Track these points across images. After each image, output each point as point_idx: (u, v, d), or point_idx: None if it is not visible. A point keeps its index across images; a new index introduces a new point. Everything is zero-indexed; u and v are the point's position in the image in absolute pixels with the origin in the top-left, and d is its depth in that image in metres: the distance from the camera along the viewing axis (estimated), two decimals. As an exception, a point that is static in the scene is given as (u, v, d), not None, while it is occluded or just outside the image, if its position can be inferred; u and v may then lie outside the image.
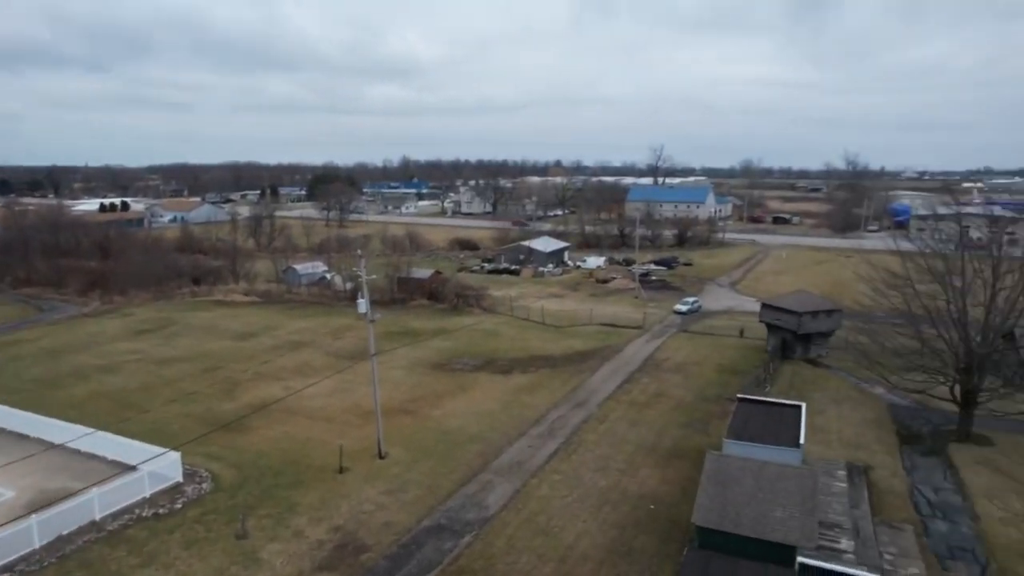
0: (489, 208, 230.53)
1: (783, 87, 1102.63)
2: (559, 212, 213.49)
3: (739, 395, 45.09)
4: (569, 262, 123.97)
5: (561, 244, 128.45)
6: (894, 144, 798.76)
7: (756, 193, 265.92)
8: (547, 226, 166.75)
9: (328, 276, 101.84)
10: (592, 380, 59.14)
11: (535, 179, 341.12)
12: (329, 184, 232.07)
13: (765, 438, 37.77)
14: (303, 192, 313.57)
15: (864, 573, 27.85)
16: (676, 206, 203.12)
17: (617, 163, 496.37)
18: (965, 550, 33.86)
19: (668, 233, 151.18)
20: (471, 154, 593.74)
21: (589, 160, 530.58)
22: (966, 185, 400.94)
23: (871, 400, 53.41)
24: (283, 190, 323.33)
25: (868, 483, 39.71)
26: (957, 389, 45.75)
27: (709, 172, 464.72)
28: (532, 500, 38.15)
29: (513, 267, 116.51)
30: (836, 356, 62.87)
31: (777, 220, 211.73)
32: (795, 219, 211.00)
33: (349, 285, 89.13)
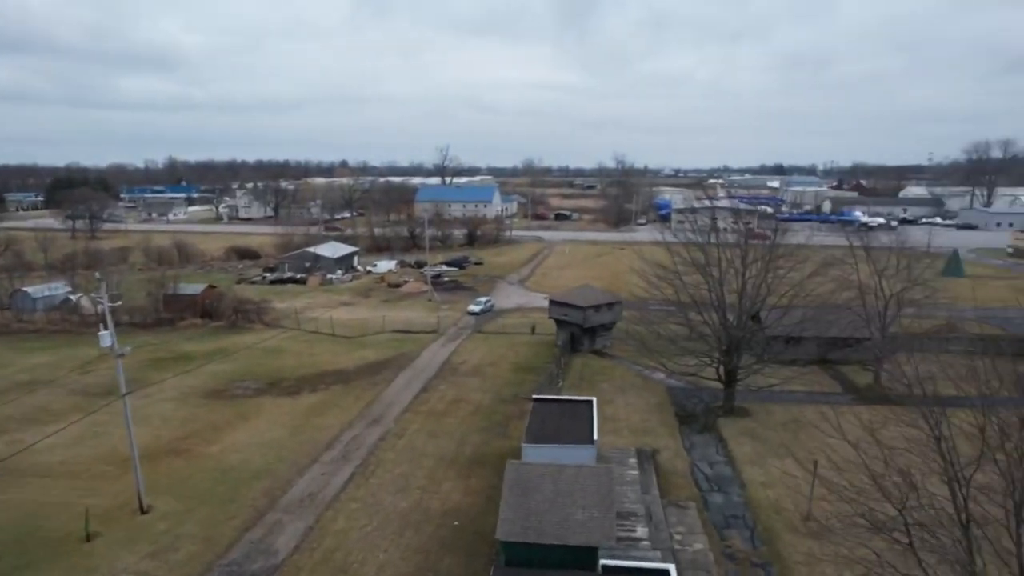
0: (270, 212, 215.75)
1: (558, 91, 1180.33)
2: (347, 215, 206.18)
3: (534, 396, 45.52)
4: (359, 267, 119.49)
5: (350, 248, 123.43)
6: (653, 144, 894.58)
7: (538, 191, 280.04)
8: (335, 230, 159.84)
9: (73, 298, 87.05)
10: (388, 392, 56.57)
11: (320, 180, 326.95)
12: (74, 189, 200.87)
13: (561, 437, 38.21)
14: (39, 198, 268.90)
15: (658, 564, 28.83)
16: (464, 206, 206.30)
17: (405, 163, 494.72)
18: (737, 517, 37.06)
19: (458, 233, 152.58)
20: (249, 155, 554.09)
21: (376, 160, 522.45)
22: (711, 181, 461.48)
23: (653, 386, 57.38)
24: (11, 196, 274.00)
25: (656, 467, 42.09)
26: (721, 369, 50.58)
27: (494, 171, 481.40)
28: (327, 536, 34.81)
29: (299, 276, 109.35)
30: (619, 346, 66.92)
31: (559, 217, 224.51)
32: (575, 215, 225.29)
33: (101, 307, 76.82)
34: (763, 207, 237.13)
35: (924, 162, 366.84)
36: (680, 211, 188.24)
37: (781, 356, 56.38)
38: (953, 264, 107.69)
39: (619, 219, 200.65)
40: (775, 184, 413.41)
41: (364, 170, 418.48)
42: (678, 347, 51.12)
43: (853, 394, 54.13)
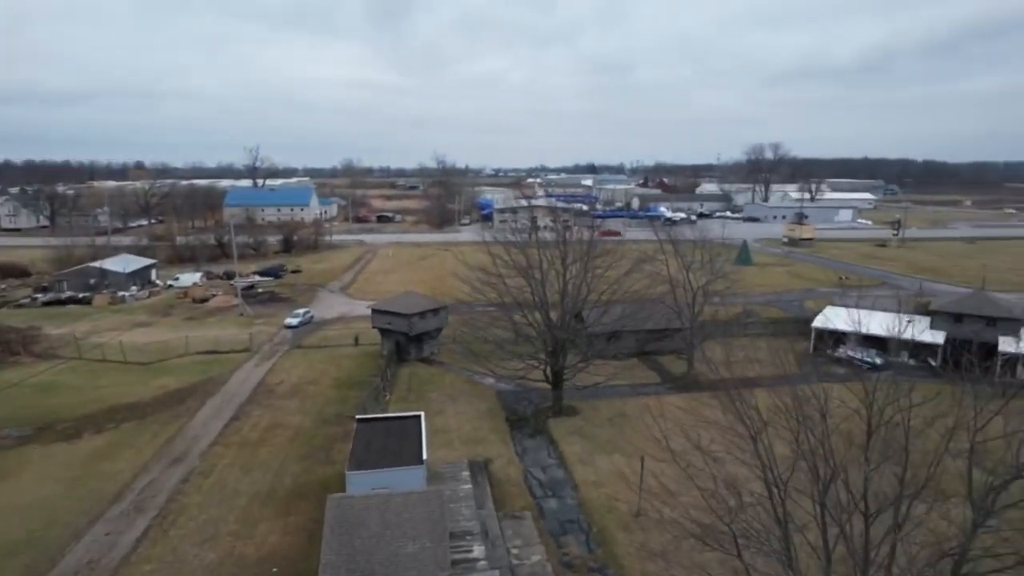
0: (44, 221, 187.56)
1: (376, 89, 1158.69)
2: (143, 222, 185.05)
3: (357, 416, 42.42)
4: (158, 282, 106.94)
5: (145, 261, 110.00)
6: (474, 144, 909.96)
7: (359, 192, 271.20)
8: (128, 240, 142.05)
9: None
10: (193, 424, 50.25)
11: (110, 184, 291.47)
12: None
13: (388, 461, 35.71)
14: None
15: (497, 587, 27.52)
16: (279, 209, 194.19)
17: (212, 165, 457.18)
18: (572, 521, 36.97)
19: (273, 239, 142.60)
20: (16, 154, 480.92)
21: (179, 161, 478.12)
22: (530, 180, 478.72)
23: (483, 391, 56.51)
24: None
25: (489, 478, 40.99)
26: (548, 370, 50.84)
27: (312, 172, 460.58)
28: (113, 611, 29.40)
29: (81, 295, 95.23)
30: (447, 352, 65.44)
31: (381, 219, 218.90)
32: (397, 217, 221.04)
33: None
34: (578, 205, 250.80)
35: (714, 161, 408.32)
36: (502, 211, 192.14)
37: (604, 352, 58.11)
38: (743, 254, 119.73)
39: (442, 220, 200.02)
40: (588, 183, 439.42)
41: (164, 172, 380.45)
42: (505, 351, 50.65)
43: (670, 383, 57.30)
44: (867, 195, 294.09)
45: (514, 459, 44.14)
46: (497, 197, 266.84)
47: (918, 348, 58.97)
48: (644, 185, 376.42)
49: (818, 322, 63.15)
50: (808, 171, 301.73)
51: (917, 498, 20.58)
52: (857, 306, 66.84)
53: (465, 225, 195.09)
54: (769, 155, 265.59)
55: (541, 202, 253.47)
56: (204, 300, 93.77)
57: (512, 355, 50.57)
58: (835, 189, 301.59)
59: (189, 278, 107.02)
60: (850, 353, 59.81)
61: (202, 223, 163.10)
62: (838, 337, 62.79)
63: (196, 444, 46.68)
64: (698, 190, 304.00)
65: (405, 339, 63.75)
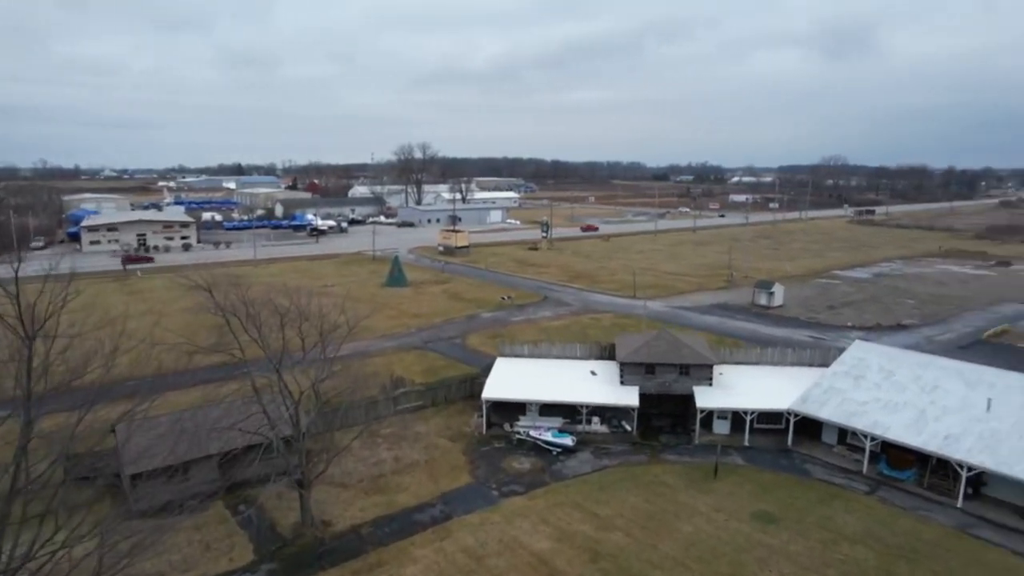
0: None
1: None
2: None
3: None
4: None
5: None
6: (91, 141, 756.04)
7: None
8: None
9: None
10: None
11: None
12: None
13: None
14: None
15: None
16: None
17: None
18: None
19: None
20: None
21: None
22: (161, 184, 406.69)
23: None
24: None
25: None
26: None
27: None
28: None
29: None
30: None
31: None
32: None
33: None
34: (211, 214, 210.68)
35: (368, 160, 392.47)
36: (93, 228, 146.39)
37: (155, 503, 32.48)
38: (396, 273, 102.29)
39: None
40: (233, 185, 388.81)
41: None
42: None
43: (273, 558, 33.09)
44: (512, 194, 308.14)
45: None
46: (107, 207, 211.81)
47: (611, 410, 46.07)
48: (294, 188, 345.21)
49: (490, 390, 46.46)
50: (458, 170, 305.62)
51: None
52: (533, 353, 52.27)
53: (39, 250, 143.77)
54: (419, 155, 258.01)
55: (172, 209, 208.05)
56: None
57: None
58: (483, 188, 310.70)
59: None
60: (532, 433, 44.17)
61: None
62: (519, 406, 46.98)
63: None
64: (351, 192, 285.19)
65: None
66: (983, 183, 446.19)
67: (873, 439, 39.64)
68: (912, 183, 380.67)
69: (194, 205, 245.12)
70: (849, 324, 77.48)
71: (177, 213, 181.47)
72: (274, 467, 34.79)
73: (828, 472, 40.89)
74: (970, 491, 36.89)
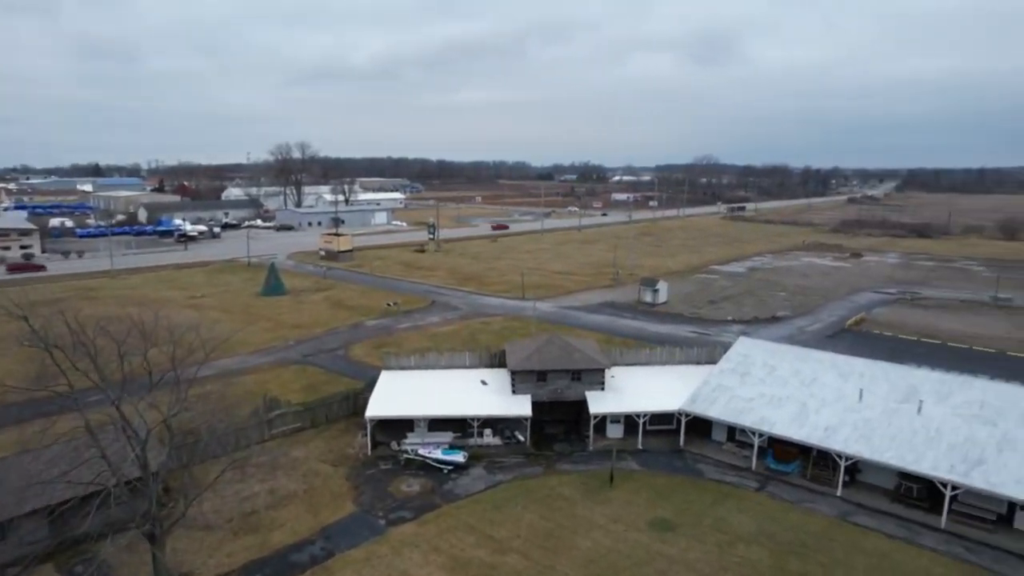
0: None
1: None
2: None
3: None
4: None
5: None
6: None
7: None
8: None
9: None
10: None
11: None
12: None
13: None
14: None
15: None
16: None
17: None
18: None
19: None
20: None
21: None
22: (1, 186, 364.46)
23: None
24: None
25: None
26: None
27: None
28: None
29: None
30: None
31: None
32: None
33: None
34: (61, 220, 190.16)
35: (244, 160, 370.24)
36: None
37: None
38: (273, 281, 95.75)
39: None
40: (88, 187, 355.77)
41: None
42: None
43: None
44: (397, 195, 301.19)
45: None
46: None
47: (503, 421, 44.18)
48: (161, 190, 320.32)
49: (374, 408, 43.20)
50: (341, 171, 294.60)
51: None
52: (420, 364, 49.55)
53: None
54: (297, 154, 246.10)
55: (9, 217, 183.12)
56: None
57: None
58: (367, 188, 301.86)
59: None
60: (421, 451, 41.45)
61: None
62: (406, 422, 44.03)
63: None
64: (224, 195, 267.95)
65: None
66: (833, 181, 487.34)
67: (760, 435, 40.22)
68: (775, 181, 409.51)
69: (40, 210, 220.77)
70: (729, 318, 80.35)
71: (16, 219, 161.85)
72: (118, 517, 29.96)
73: (720, 471, 41.12)
74: (847, 479, 38.11)
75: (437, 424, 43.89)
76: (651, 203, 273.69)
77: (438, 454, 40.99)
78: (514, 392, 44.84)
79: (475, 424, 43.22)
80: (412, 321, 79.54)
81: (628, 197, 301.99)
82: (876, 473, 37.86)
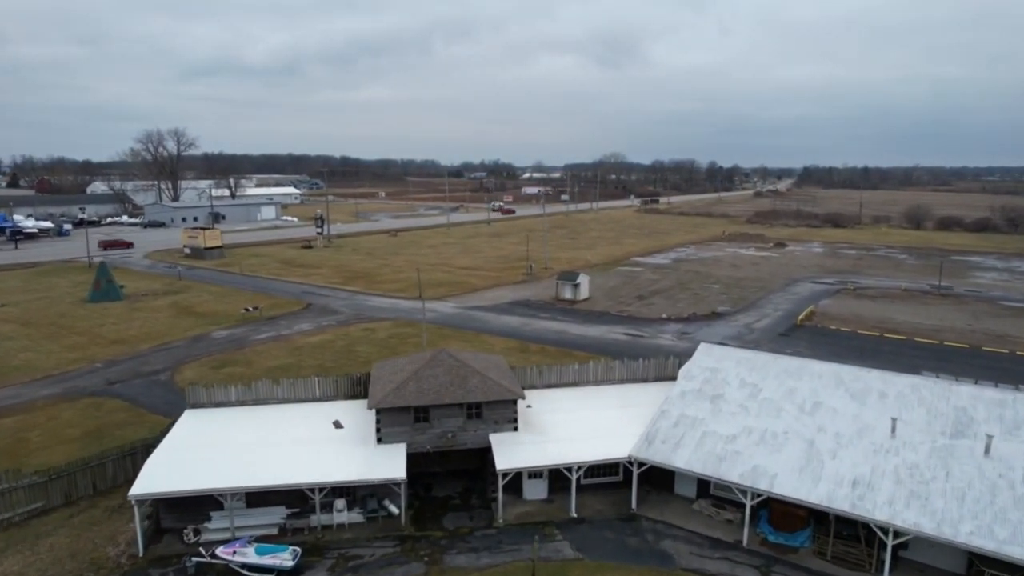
0: None
1: None
2: None
3: None
4: None
5: None
6: None
7: None
8: None
9: None
10: None
11: None
12: None
13: None
14: None
15: None
16: None
17: None
18: None
19: None
20: None
21: None
22: None
23: None
24: None
25: None
26: None
27: None
28: None
29: None
30: None
31: None
32: None
33: None
34: None
35: (115, 158, 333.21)
36: None
37: None
38: (104, 284, 75.51)
39: None
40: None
41: None
42: None
43: None
44: (292, 189, 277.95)
45: None
46: None
47: (366, 487, 28.64)
48: (15, 185, 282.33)
49: (149, 479, 26.56)
50: (227, 166, 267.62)
51: None
52: (245, 398, 33.36)
53: None
54: (172, 145, 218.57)
55: None
56: None
57: None
58: (261, 184, 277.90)
59: None
60: (223, 552, 25.34)
61: None
62: (210, 497, 27.66)
63: None
64: (89, 190, 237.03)
65: None
66: (735, 178, 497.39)
67: (757, 495, 26.70)
68: (683, 176, 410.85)
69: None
70: (664, 316, 67.83)
71: None
72: None
73: (696, 549, 27.22)
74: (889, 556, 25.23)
75: (261, 497, 27.88)
76: (563, 197, 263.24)
77: (251, 555, 25.00)
78: (380, 441, 29.33)
79: (317, 495, 27.45)
80: (275, 329, 62.44)
81: (539, 191, 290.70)
82: (932, 549, 25.14)
